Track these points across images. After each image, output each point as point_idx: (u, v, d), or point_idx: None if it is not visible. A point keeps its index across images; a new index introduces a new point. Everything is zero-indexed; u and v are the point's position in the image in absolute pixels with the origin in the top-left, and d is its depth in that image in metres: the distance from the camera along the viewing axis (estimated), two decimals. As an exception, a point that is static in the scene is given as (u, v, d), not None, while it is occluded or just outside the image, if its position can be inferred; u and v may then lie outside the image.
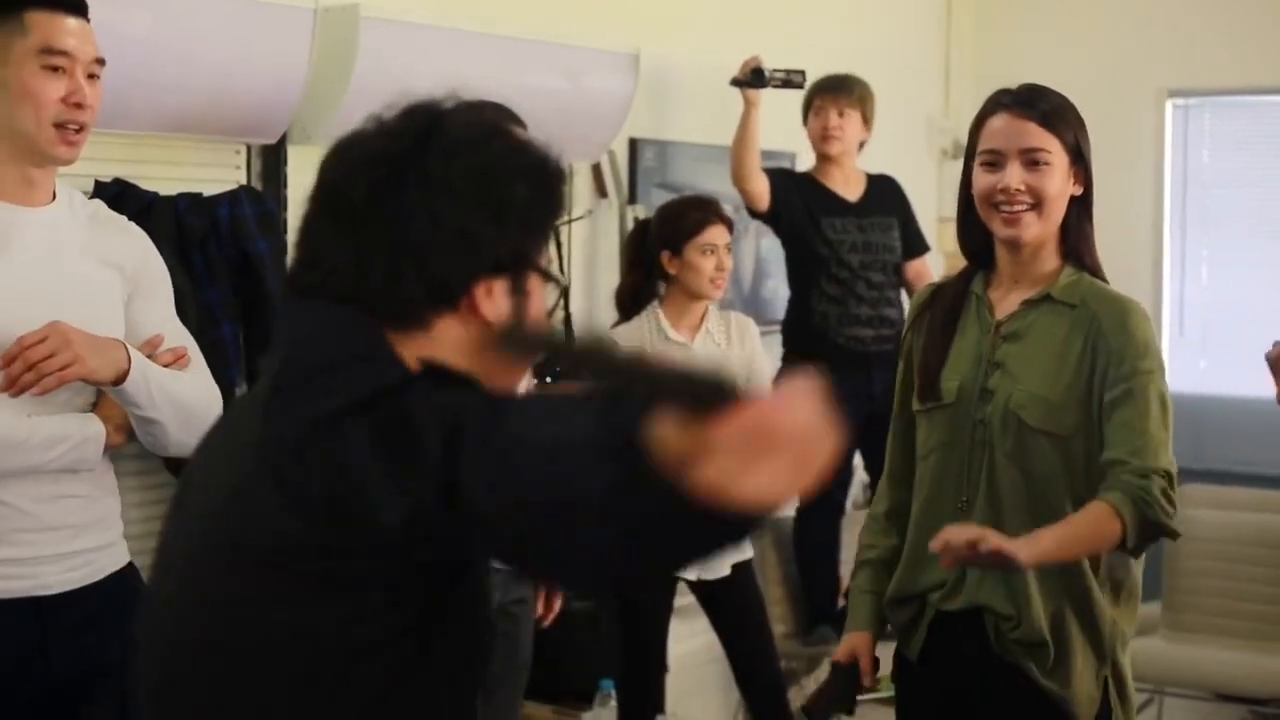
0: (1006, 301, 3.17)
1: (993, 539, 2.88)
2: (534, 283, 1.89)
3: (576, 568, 1.69)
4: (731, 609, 5.11)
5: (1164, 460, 3.04)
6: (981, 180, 3.13)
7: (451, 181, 1.83)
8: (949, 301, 3.22)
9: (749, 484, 1.48)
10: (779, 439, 1.48)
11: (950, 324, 3.19)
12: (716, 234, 4.94)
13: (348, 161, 1.87)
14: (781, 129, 6.21)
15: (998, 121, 3.14)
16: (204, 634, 1.84)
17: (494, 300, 1.85)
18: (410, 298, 1.83)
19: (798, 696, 6.33)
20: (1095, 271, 3.19)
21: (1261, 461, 7.28)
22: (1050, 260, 3.17)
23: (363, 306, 1.82)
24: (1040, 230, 3.13)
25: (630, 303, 5.13)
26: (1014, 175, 3.09)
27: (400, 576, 1.76)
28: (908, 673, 3.30)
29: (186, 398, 3.16)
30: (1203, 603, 6.37)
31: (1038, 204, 3.10)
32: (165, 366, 3.16)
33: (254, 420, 1.84)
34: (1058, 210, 3.14)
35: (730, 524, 1.54)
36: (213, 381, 3.28)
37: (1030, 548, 2.92)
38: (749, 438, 1.48)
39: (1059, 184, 3.12)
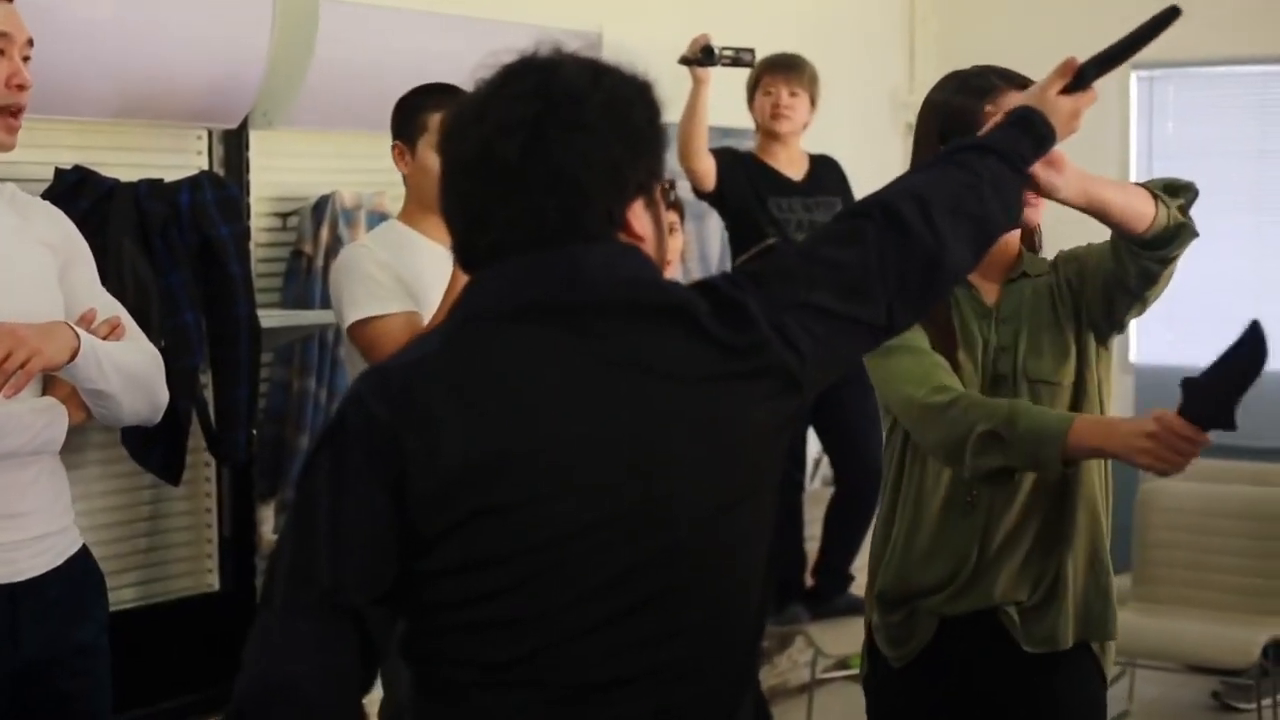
0: (985, 286, 3.11)
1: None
2: (659, 195, 2.12)
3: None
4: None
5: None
6: None
7: (589, 124, 2.01)
8: None
9: None
10: None
11: (947, 306, 3.07)
12: None
13: (484, 130, 2.02)
14: (740, 106, 6.19)
15: (1005, 100, 3.02)
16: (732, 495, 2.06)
17: (640, 219, 2.07)
18: (590, 231, 2.02)
19: (769, 676, 6.35)
20: (1038, 252, 3.23)
21: (1229, 433, 7.29)
22: (1014, 241, 3.15)
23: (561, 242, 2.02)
24: (1036, 215, 3.11)
25: None
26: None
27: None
28: (885, 679, 3.16)
29: (132, 366, 3.15)
30: (1172, 574, 6.39)
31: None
32: (103, 338, 3.13)
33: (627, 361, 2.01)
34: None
35: None
36: (150, 345, 3.27)
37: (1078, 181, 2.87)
38: None
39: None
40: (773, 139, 6.06)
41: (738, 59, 5.77)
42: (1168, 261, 3.04)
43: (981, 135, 2.55)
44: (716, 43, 5.68)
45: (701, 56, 5.67)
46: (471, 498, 1.94)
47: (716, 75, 5.76)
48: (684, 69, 5.74)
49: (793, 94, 6.01)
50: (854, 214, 2.25)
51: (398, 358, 2.08)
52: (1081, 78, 2.71)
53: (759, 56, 5.90)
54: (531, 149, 2.00)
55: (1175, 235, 3.00)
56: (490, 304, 2.03)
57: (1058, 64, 2.73)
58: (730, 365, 2.04)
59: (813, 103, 6.08)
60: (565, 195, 2.01)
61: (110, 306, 3.25)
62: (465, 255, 2.08)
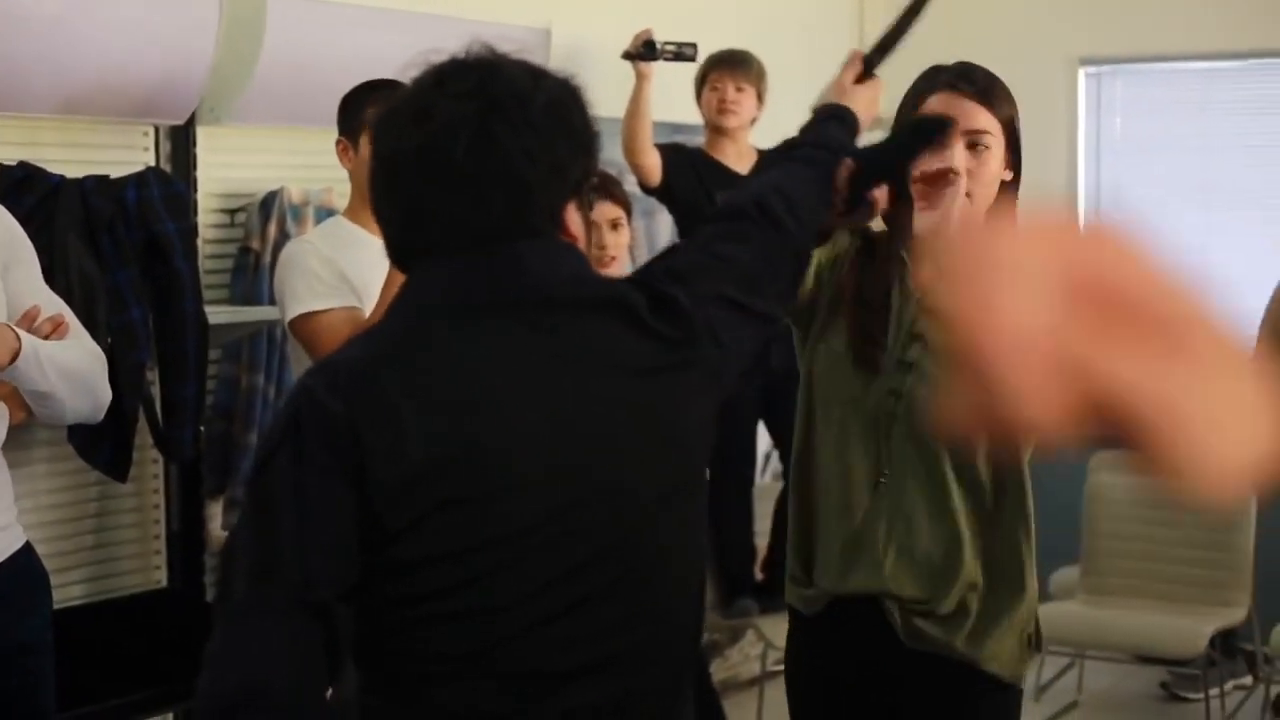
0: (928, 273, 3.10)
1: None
2: (588, 196, 2.19)
3: None
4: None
5: None
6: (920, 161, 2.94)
7: (534, 124, 2.05)
8: (884, 268, 3.04)
9: None
10: None
11: (887, 295, 3.01)
12: (597, 211, 4.82)
13: (428, 128, 2.04)
14: (690, 102, 6.20)
15: (939, 101, 2.98)
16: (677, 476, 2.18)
17: (573, 218, 2.12)
18: (533, 228, 2.06)
19: (720, 669, 6.36)
20: None
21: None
22: None
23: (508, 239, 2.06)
24: (975, 215, 2.97)
25: None
26: (959, 156, 2.92)
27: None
28: (796, 629, 3.13)
29: (74, 365, 3.12)
30: (1121, 565, 6.42)
31: (975, 188, 2.93)
32: (46, 336, 3.10)
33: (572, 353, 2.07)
34: (991, 196, 2.98)
35: None
36: (94, 343, 3.25)
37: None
38: None
39: (996, 169, 2.97)
40: (720, 134, 6.07)
41: (680, 54, 5.77)
42: None
43: (804, 131, 2.71)
44: (659, 38, 5.69)
45: (643, 51, 5.68)
46: (432, 491, 1.95)
47: (665, 71, 5.77)
48: (632, 65, 5.75)
49: (739, 89, 6.02)
50: (735, 213, 2.33)
51: (345, 352, 2.10)
52: (869, 66, 2.86)
53: (705, 53, 5.91)
54: (477, 147, 2.02)
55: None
56: (437, 300, 2.05)
57: (847, 59, 2.90)
58: (668, 357, 2.10)
59: (760, 98, 6.09)
60: (511, 193, 2.04)
61: (53, 304, 3.22)
62: (401, 252, 2.11)
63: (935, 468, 2.94)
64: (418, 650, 2.00)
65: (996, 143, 2.97)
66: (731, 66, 6.04)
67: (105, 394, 3.23)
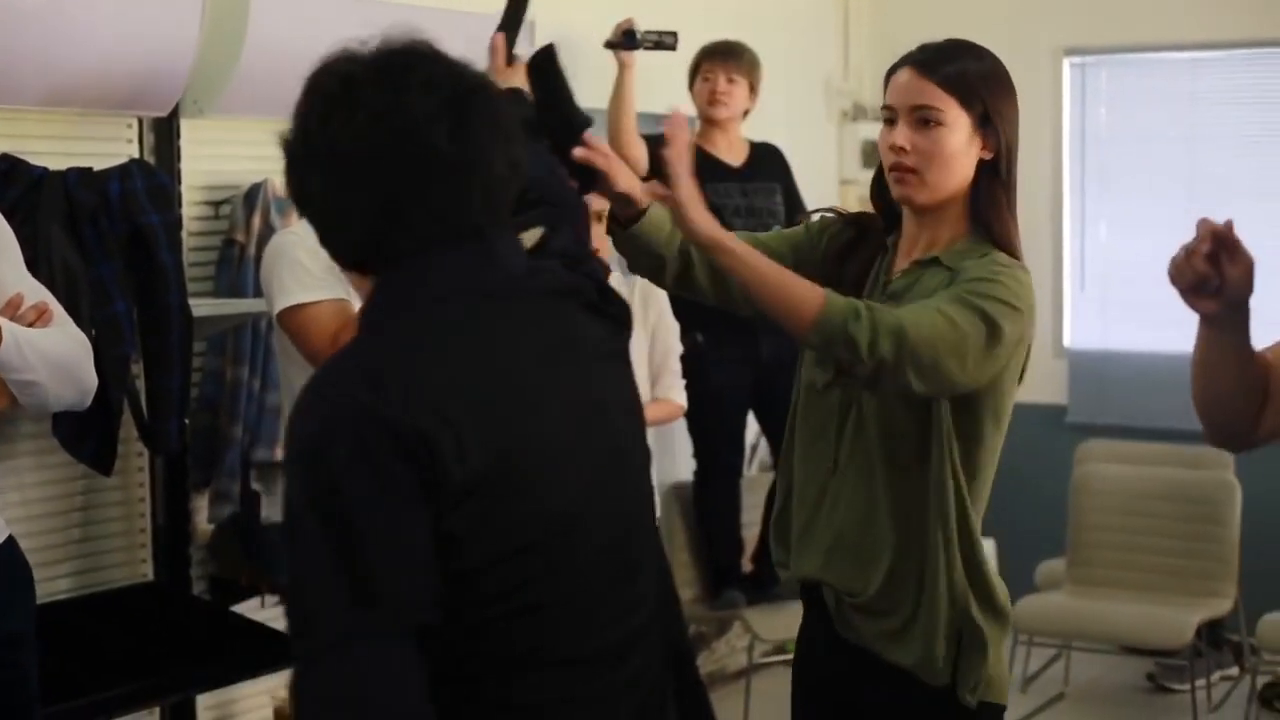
0: (904, 261, 3.02)
1: None
2: None
3: None
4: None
5: (912, 328, 2.71)
6: (880, 137, 2.99)
7: (501, 115, 2.09)
8: (871, 253, 3.05)
9: None
10: None
11: (864, 278, 3.02)
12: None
13: (401, 120, 2.01)
14: (676, 93, 6.19)
15: (899, 77, 2.96)
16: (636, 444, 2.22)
17: (597, 230, 2.24)
18: (502, 221, 2.09)
19: (707, 662, 6.36)
20: (1003, 243, 2.92)
21: (1162, 415, 7.33)
22: (954, 225, 2.95)
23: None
24: (931, 194, 2.91)
25: None
26: (901, 133, 2.91)
27: None
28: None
29: (58, 352, 3.12)
30: (1107, 557, 6.43)
31: (927, 165, 2.89)
32: (31, 324, 3.11)
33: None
34: (953, 174, 2.90)
35: None
36: (78, 331, 3.25)
37: (715, 225, 2.78)
38: None
39: (955, 146, 2.89)
40: (711, 125, 6.08)
41: (660, 43, 5.77)
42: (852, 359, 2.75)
43: None
44: (640, 27, 5.68)
45: (624, 40, 5.68)
46: (491, 490, 1.93)
47: (644, 62, 5.76)
48: (614, 55, 5.75)
49: (730, 80, 6.03)
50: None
51: (367, 354, 2.01)
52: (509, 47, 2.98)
53: (688, 43, 5.90)
54: (457, 137, 1.99)
55: (834, 347, 2.74)
56: (443, 292, 2.02)
57: (491, 44, 2.98)
58: (618, 341, 2.20)
59: (753, 89, 6.09)
60: (486, 186, 2.02)
61: (37, 292, 3.22)
62: (371, 248, 2.04)
63: (874, 463, 2.93)
64: (482, 649, 1.98)
65: (955, 122, 2.90)
66: (724, 57, 6.04)
67: (91, 381, 3.22)
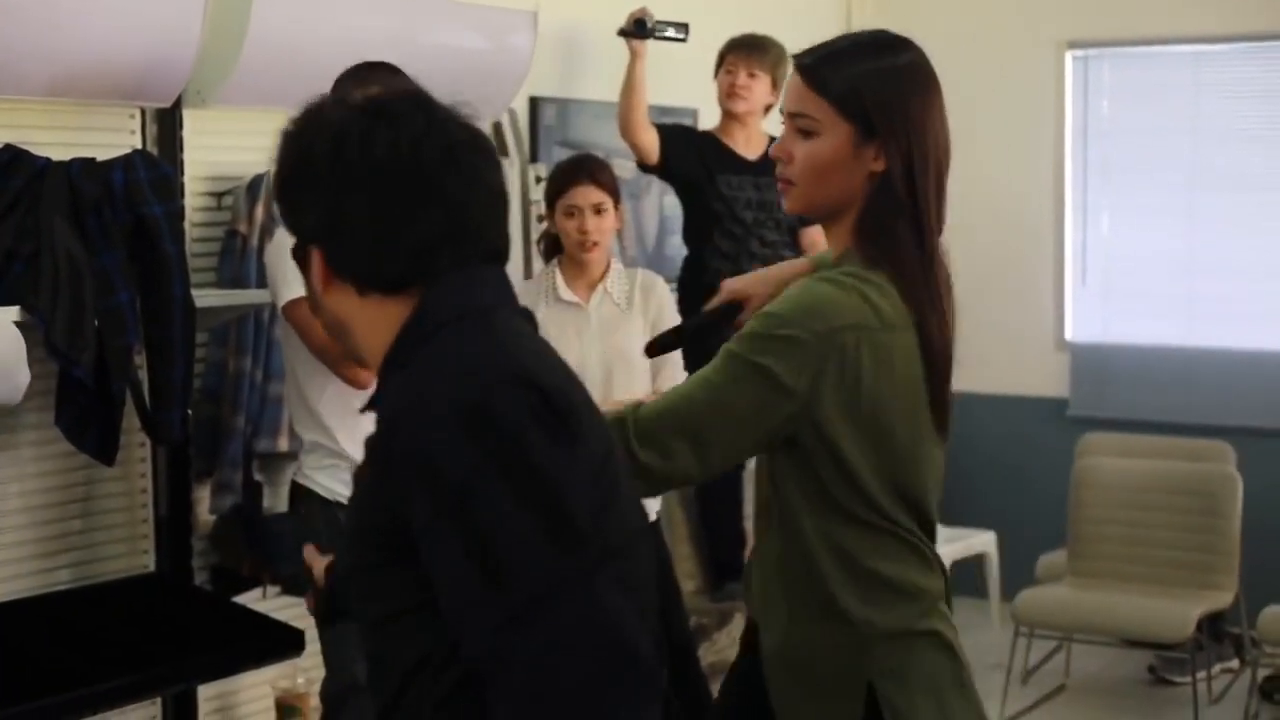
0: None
1: None
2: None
3: None
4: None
5: (656, 413, 2.57)
6: None
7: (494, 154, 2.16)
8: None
9: None
10: None
11: None
12: (580, 195, 4.85)
13: (449, 139, 2.06)
14: (682, 85, 6.19)
15: (789, 77, 2.74)
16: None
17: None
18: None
19: (708, 653, 6.36)
20: (882, 263, 2.61)
21: (1163, 408, 7.35)
22: (844, 240, 2.69)
23: None
24: (806, 206, 2.70)
25: (550, 252, 5.10)
26: (780, 140, 2.71)
27: None
28: None
29: None
30: (1108, 549, 6.43)
31: (801, 178, 2.67)
32: None
33: None
34: (830, 187, 2.65)
35: None
36: (12, 328, 3.25)
37: None
38: None
39: (829, 159, 2.63)
40: (731, 118, 6.11)
41: (672, 33, 5.80)
42: None
43: None
44: (651, 16, 5.70)
45: (635, 29, 5.70)
46: (601, 480, 1.99)
47: (659, 55, 5.77)
48: (623, 47, 5.76)
49: (751, 74, 6.04)
50: None
51: (472, 345, 2.01)
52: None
53: (696, 40, 5.92)
54: (490, 164, 2.11)
55: None
56: (491, 302, 2.08)
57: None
58: None
59: (775, 85, 6.10)
60: (506, 213, 2.15)
61: None
62: (429, 266, 2.04)
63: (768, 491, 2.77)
64: None
65: (829, 129, 2.63)
66: (747, 51, 6.05)
67: (21, 376, 3.23)
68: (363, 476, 2.06)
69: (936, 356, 2.63)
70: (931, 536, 2.74)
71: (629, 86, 5.73)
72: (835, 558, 2.63)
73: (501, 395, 1.92)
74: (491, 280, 2.10)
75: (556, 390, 1.96)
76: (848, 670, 2.64)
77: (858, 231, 2.65)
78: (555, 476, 1.90)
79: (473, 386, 1.93)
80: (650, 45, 5.78)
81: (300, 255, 2.10)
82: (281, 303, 3.92)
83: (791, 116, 2.68)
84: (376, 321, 2.06)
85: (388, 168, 2.01)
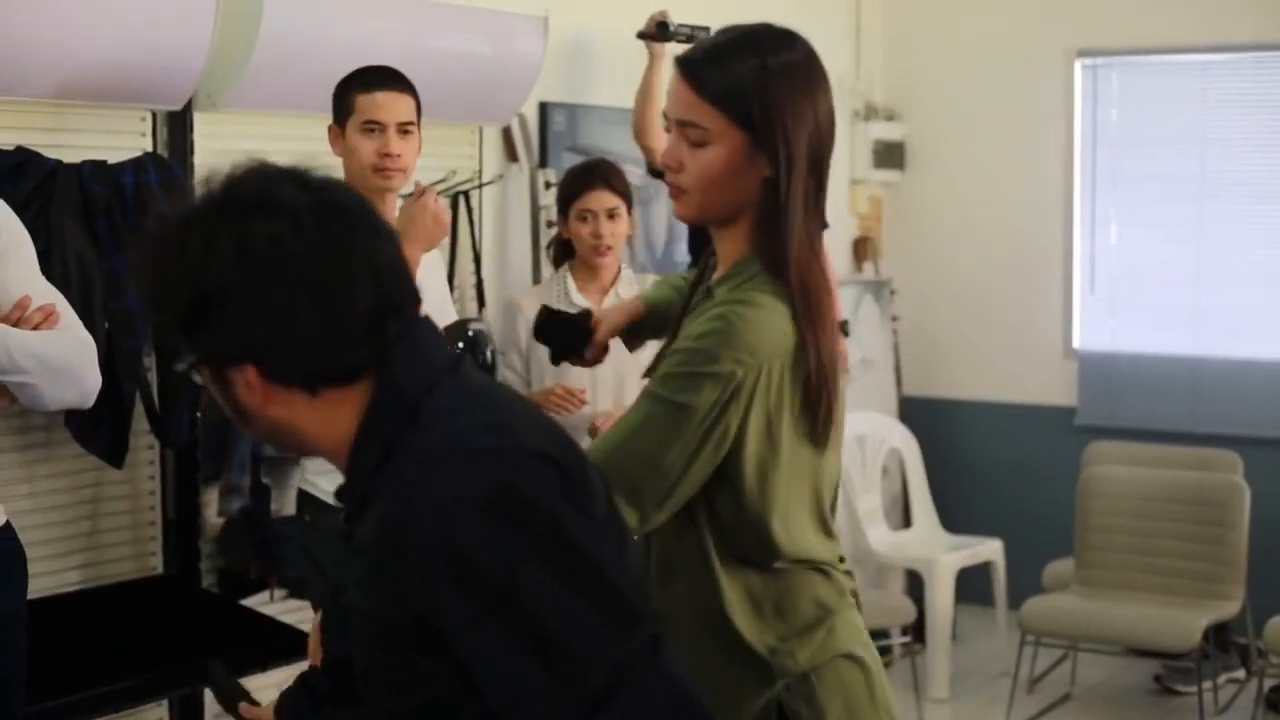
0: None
1: None
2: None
3: None
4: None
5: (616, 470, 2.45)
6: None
7: None
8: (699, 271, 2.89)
9: None
10: None
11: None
12: (594, 199, 4.89)
13: (359, 215, 1.92)
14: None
15: (672, 81, 2.65)
16: None
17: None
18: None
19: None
20: (776, 267, 2.58)
21: (1171, 417, 7.35)
22: (737, 244, 2.65)
23: None
24: (702, 214, 2.66)
25: (560, 257, 5.12)
26: (669, 147, 2.64)
27: None
28: None
29: (53, 354, 3.20)
30: (1114, 559, 6.43)
31: (695, 187, 2.61)
32: (37, 326, 3.19)
33: None
34: (726, 194, 2.60)
35: None
36: (84, 334, 3.32)
37: None
38: None
39: (724, 167, 2.58)
40: None
41: (693, 36, 5.80)
42: None
43: None
44: (672, 19, 5.71)
45: (656, 31, 5.70)
46: (623, 546, 1.96)
47: (669, 60, 5.77)
48: (633, 52, 5.76)
49: None
50: None
51: (455, 421, 1.90)
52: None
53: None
54: (359, 229, 1.91)
55: None
56: (445, 361, 1.95)
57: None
58: None
59: None
60: (403, 263, 1.96)
61: (47, 294, 3.29)
62: (376, 347, 1.89)
63: None
64: None
65: (719, 138, 2.58)
66: None
67: (92, 382, 3.29)
68: (349, 568, 1.95)
69: (824, 370, 2.57)
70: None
71: (646, 90, 5.72)
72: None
73: (528, 475, 1.83)
74: (433, 335, 1.96)
75: (565, 457, 1.88)
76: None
77: (758, 238, 2.60)
78: (595, 552, 1.84)
79: (493, 468, 1.82)
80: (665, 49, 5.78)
81: (217, 378, 1.91)
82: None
83: (680, 125, 2.61)
84: (332, 415, 1.91)
85: (301, 253, 1.83)
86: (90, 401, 3.34)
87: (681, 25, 5.75)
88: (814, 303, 2.57)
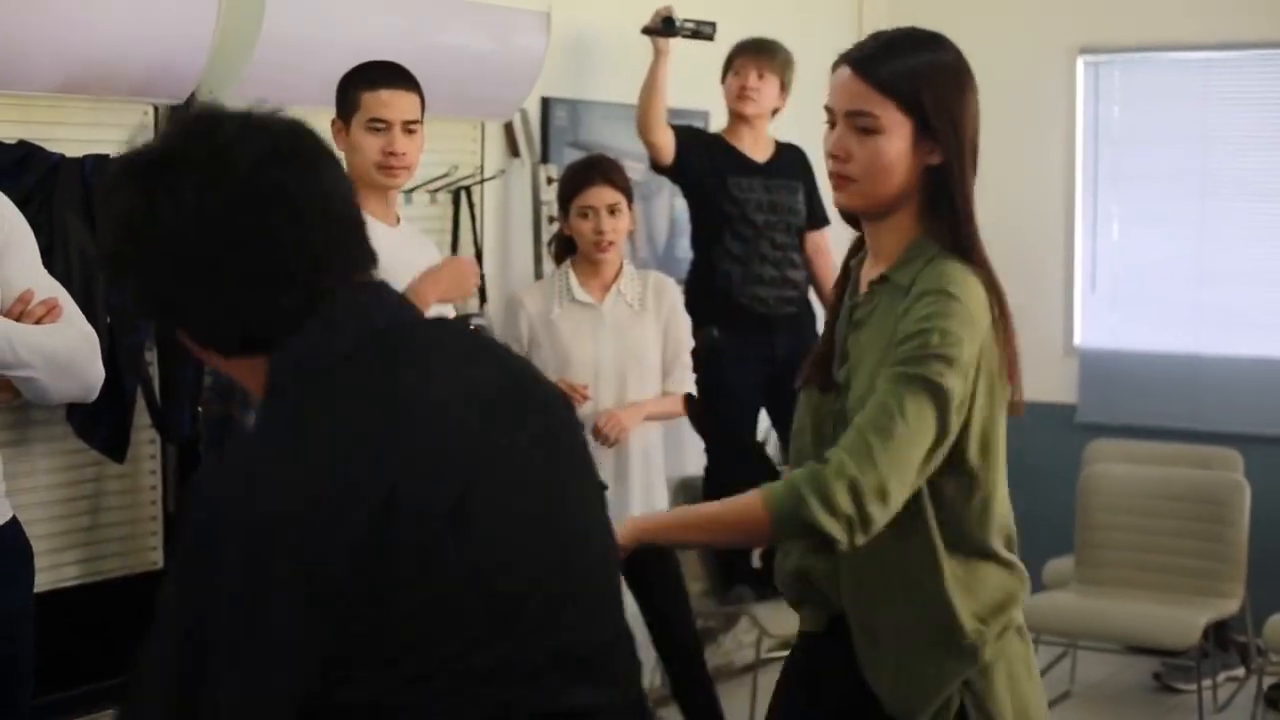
0: (865, 279, 2.81)
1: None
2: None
3: None
4: (647, 569, 5.11)
5: (868, 472, 2.57)
6: (824, 139, 2.78)
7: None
8: (842, 285, 2.89)
9: None
10: None
11: (840, 299, 2.87)
12: (594, 195, 4.90)
13: (300, 164, 1.87)
14: (694, 87, 6.19)
15: (838, 75, 2.74)
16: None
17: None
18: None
19: (714, 656, 6.36)
20: (954, 247, 2.72)
21: (1172, 415, 7.34)
22: (901, 232, 2.74)
23: None
24: (868, 201, 2.72)
25: (561, 253, 5.12)
26: (836, 138, 2.71)
27: None
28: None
29: (56, 349, 3.20)
30: (1114, 556, 6.43)
31: (864, 175, 2.69)
32: (39, 320, 3.20)
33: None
34: (893, 181, 2.69)
35: None
36: (87, 327, 3.32)
37: (641, 521, 2.78)
38: None
39: (894, 154, 2.67)
40: (740, 120, 6.11)
41: (698, 31, 5.81)
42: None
43: None
44: (677, 14, 5.71)
45: (662, 26, 5.70)
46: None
47: (672, 56, 5.78)
48: (635, 48, 5.76)
49: (760, 77, 6.05)
50: None
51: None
52: None
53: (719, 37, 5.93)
54: (306, 180, 1.86)
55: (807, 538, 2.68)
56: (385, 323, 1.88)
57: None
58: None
59: (784, 88, 6.12)
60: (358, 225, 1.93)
61: (50, 288, 3.29)
62: (303, 293, 1.81)
63: None
64: None
65: (893, 127, 2.68)
66: (756, 53, 6.06)
67: (95, 376, 3.28)
68: None
69: (1013, 338, 2.78)
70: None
71: (651, 85, 5.72)
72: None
73: (233, 542, 1.77)
74: (356, 307, 1.85)
75: (334, 511, 1.72)
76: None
77: (929, 222, 2.73)
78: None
79: (209, 519, 1.78)
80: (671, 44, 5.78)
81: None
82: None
83: (849, 115, 2.70)
84: (258, 383, 1.87)
85: (190, 225, 1.77)
86: (93, 395, 3.34)
87: (687, 20, 5.75)
88: (995, 275, 2.77)
